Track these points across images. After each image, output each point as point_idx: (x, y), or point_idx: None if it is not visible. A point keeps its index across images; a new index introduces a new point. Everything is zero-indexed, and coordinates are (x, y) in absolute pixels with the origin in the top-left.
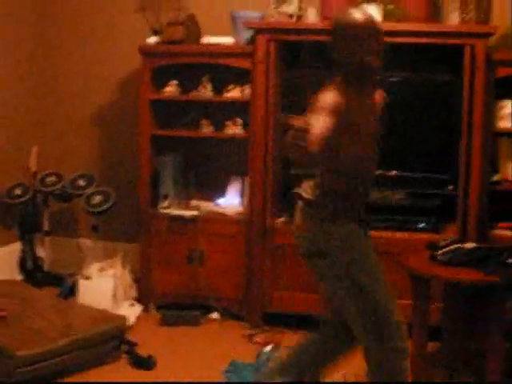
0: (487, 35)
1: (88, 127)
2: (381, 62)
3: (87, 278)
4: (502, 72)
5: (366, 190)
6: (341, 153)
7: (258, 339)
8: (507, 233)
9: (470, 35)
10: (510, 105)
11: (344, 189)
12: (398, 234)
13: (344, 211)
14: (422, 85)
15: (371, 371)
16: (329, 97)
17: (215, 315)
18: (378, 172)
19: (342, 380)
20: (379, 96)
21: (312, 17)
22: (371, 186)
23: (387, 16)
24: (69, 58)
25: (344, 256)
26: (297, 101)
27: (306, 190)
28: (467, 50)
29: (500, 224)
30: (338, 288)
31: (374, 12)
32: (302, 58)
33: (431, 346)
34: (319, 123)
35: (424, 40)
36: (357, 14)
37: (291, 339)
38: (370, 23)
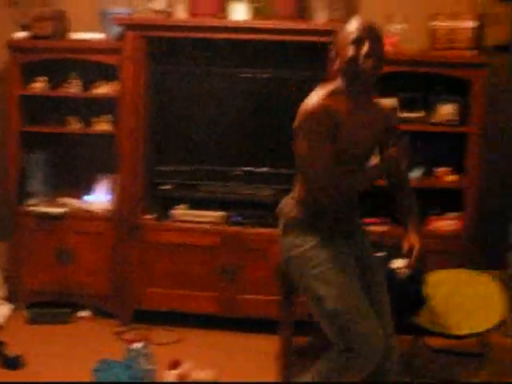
0: None
1: None
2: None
3: None
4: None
5: (339, 202)
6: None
7: (127, 337)
8: (374, 228)
9: (332, 33)
10: (392, 101)
11: (307, 200)
12: (267, 231)
13: (298, 222)
14: (286, 81)
15: (315, 370)
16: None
17: (86, 313)
18: (248, 169)
19: None
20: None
21: (181, 13)
22: (351, 197)
23: (255, 14)
24: None
25: (295, 266)
26: (168, 97)
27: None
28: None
29: (367, 219)
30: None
31: (242, 9)
32: (172, 55)
33: (299, 341)
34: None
35: (291, 38)
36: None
37: (161, 336)
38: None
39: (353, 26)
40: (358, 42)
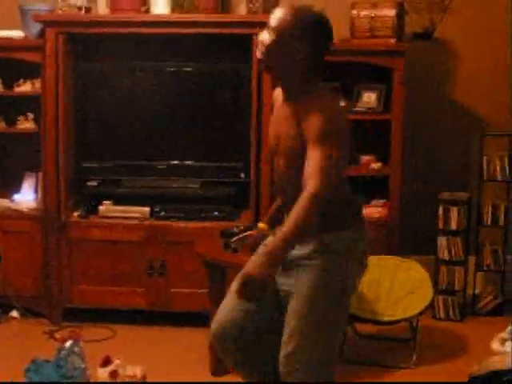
0: None
1: None
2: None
3: None
4: None
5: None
6: None
7: (58, 335)
8: None
9: (256, 24)
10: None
11: None
12: (193, 224)
13: None
14: (210, 74)
15: None
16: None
17: (15, 313)
18: (173, 162)
19: None
20: None
21: (101, 9)
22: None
23: (176, 7)
24: None
25: None
26: (92, 93)
27: None
28: (255, 38)
29: None
30: None
31: (163, 4)
32: (95, 51)
33: None
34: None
35: (213, 30)
36: None
37: (91, 333)
38: None
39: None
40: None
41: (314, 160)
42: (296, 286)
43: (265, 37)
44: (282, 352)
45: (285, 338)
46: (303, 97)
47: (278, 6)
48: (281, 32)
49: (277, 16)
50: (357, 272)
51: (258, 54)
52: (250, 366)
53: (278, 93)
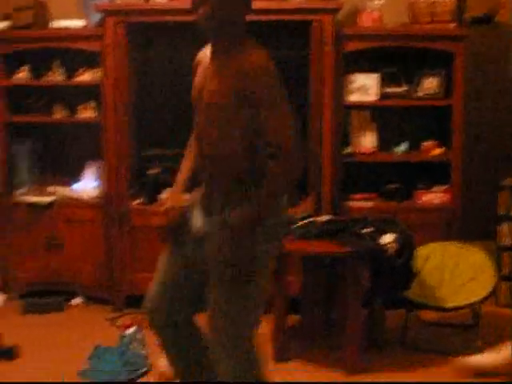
0: (334, 10)
1: None
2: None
3: None
4: (351, 46)
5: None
6: None
7: (120, 322)
8: (362, 204)
9: (316, 11)
10: (359, 79)
11: None
12: None
13: None
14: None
15: None
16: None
17: (78, 300)
18: None
19: None
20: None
21: None
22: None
23: None
24: None
25: None
26: (151, 81)
27: None
28: (315, 25)
29: (355, 195)
30: None
31: None
32: (154, 39)
33: (292, 320)
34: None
35: (272, 17)
36: None
37: None
38: None
39: None
40: None
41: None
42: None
43: None
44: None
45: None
46: (236, 53)
47: None
48: None
49: None
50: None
51: (204, 9)
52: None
53: (203, 54)
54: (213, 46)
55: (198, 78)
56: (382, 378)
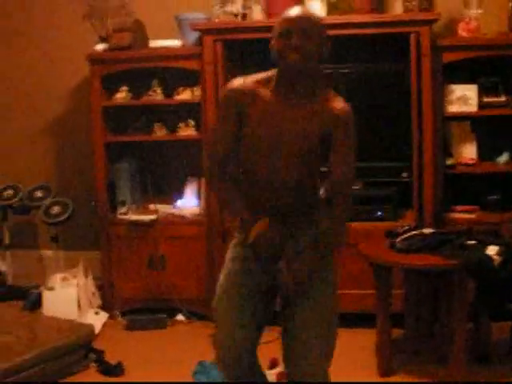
0: (431, 22)
1: (41, 138)
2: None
3: (50, 288)
4: (448, 57)
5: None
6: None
7: None
8: (464, 215)
9: (414, 23)
10: (458, 89)
11: None
12: (357, 224)
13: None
14: (370, 75)
15: None
16: None
17: (180, 317)
18: None
19: None
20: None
21: (257, 14)
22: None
23: (332, 9)
24: (17, 70)
25: None
26: None
27: None
28: (412, 37)
29: (456, 207)
30: None
31: (317, 6)
32: (250, 57)
33: (396, 333)
34: None
35: (370, 31)
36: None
37: None
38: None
39: (284, 17)
40: (285, 35)
41: (345, 161)
42: None
43: (296, 41)
44: None
45: None
46: (318, 96)
47: (292, 7)
48: (318, 35)
49: (302, 17)
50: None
51: (293, 59)
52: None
53: (251, 84)
54: (294, 88)
55: (259, 123)
56: None
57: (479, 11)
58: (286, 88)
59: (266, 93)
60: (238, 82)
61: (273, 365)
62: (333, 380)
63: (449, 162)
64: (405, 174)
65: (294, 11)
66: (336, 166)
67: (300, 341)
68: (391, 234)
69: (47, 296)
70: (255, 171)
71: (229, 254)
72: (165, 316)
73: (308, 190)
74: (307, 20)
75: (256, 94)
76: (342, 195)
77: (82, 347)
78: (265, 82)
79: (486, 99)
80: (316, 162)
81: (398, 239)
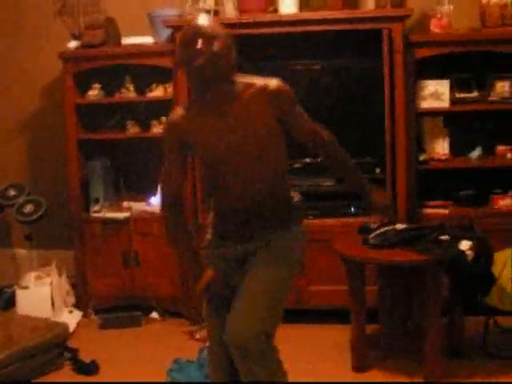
0: (403, 18)
1: (13, 135)
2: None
3: (24, 287)
4: (421, 53)
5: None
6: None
7: (198, 336)
8: (437, 211)
9: (386, 19)
10: (431, 85)
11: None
12: (330, 221)
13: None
14: (342, 71)
15: None
16: None
17: (155, 315)
18: (307, 160)
19: None
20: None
21: (229, 11)
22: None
23: (304, 6)
24: None
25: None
26: None
27: None
28: (385, 33)
29: (429, 202)
30: None
31: (291, 3)
32: None
33: (370, 329)
34: None
35: (342, 27)
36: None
37: None
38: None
39: (185, 29)
40: (189, 43)
41: (305, 119)
42: None
43: (200, 45)
44: None
45: None
46: (239, 91)
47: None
48: (225, 40)
49: (212, 26)
50: None
51: (201, 61)
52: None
53: (184, 113)
54: (214, 95)
55: (204, 142)
56: None
57: (451, 7)
58: (206, 99)
59: (195, 113)
60: (174, 113)
61: None
62: (308, 376)
63: (422, 157)
64: (378, 170)
65: (194, 24)
66: (308, 134)
67: (239, 303)
68: (364, 230)
69: (21, 295)
70: (223, 186)
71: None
72: (139, 314)
73: (278, 191)
74: (208, 27)
75: (191, 120)
76: (336, 146)
77: (56, 346)
78: (190, 106)
79: (458, 95)
80: (276, 155)
81: (371, 235)
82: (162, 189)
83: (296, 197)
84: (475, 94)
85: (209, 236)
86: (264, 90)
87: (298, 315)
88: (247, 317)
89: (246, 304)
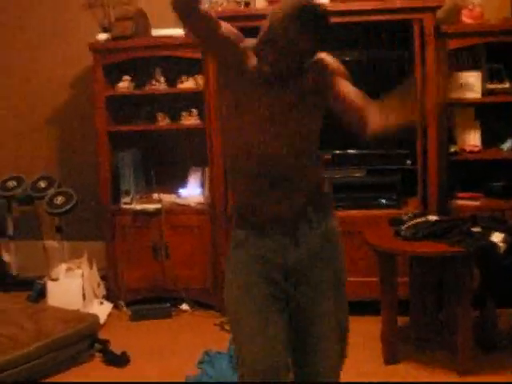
0: (435, 8)
1: (44, 128)
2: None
3: (55, 279)
4: (453, 44)
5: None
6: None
7: (228, 327)
8: (468, 202)
9: (417, 10)
10: (462, 76)
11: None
12: (361, 212)
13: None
14: (374, 62)
15: None
16: None
17: (185, 306)
18: (337, 151)
19: None
20: None
21: (260, 2)
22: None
23: None
24: (19, 60)
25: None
26: None
27: None
28: (416, 24)
29: (461, 194)
30: None
31: None
32: None
33: (401, 321)
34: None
35: (373, 18)
36: None
37: None
38: None
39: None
40: (306, 25)
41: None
42: None
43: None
44: None
45: None
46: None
47: None
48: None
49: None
50: None
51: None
52: None
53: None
54: (277, 73)
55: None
56: (495, 379)
57: None
58: (280, 69)
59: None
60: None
61: None
62: None
63: (453, 149)
64: (409, 162)
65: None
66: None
67: (318, 350)
68: (396, 222)
69: (52, 287)
70: (247, 142)
71: (232, 260)
72: (169, 306)
73: (307, 158)
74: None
75: (250, 67)
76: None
77: (87, 337)
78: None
79: (489, 86)
80: (311, 128)
81: (403, 227)
82: None
83: (327, 187)
84: (507, 84)
85: (240, 235)
86: (324, 69)
87: None
88: (333, 360)
89: (327, 345)
